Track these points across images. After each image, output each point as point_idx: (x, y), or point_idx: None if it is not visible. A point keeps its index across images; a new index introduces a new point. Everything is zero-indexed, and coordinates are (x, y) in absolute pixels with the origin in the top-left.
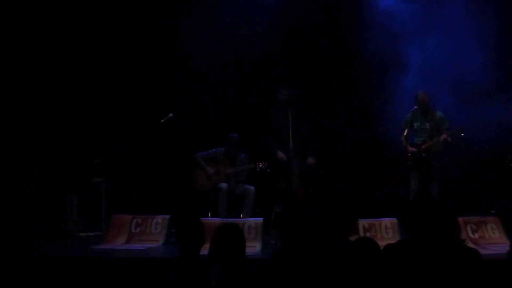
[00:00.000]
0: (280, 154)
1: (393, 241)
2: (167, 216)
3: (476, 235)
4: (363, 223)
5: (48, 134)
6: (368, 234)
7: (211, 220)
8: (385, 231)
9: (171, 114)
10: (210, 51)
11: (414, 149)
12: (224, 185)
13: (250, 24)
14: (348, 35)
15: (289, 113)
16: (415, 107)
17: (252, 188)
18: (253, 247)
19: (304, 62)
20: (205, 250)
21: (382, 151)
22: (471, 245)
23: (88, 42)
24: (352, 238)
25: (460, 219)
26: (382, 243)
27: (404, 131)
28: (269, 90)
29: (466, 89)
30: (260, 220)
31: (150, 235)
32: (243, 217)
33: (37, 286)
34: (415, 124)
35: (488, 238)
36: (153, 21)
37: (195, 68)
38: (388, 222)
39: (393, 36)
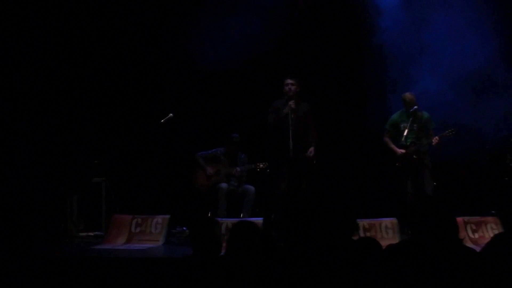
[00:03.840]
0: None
1: (393, 241)
2: (167, 216)
3: (476, 235)
4: (363, 223)
5: (48, 134)
6: (368, 234)
7: None
8: (385, 231)
9: (171, 114)
10: (210, 50)
11: (403, 150)
12: (224, 185)
13: (252, 22)
14: (354, 27)
15: (289, 113)
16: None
17: (252, 188)
18: None
19: (306, 60)
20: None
21: (384, 150)
22: (471, 245)
23: (89, 42)
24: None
25: (460, 219)
26: (382, 243)
27: (388, 132)
28: (271, 89)
29: (470, 85)
30: (260, 220)
31: (150, 235)
32: (243, 217)
33: (37, 286)
34: (402, 125)
35: (488, 238)
36: (153, 21)
37: (195, 68)
38: (388, 222)
39: (399, 30)
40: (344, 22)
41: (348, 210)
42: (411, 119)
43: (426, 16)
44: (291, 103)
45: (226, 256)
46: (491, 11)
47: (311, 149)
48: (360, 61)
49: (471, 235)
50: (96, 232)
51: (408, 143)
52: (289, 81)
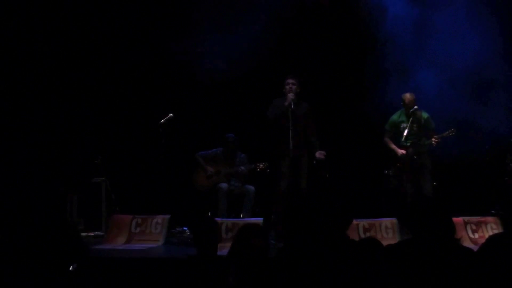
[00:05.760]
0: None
1: (393, 241)
2: (167, 216)
3: (476, 235)
4: (363, 223)
5: (48, 133)
6: (368, 234)
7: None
8: (385, 231)
9: (171, 114)
10: (209, 50)
11: (403, 151)
12: (224, 185)
13: (252, 21)
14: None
15: (289, 112)
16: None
17: (252, 188)
18: None
19: (306, 59)
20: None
21: (384, 150)
22: (470, 245)
23: (88, 42)
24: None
25: (460, 219)
26: (382, 243)
27: (388, 132)
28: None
29: (471, 85)
30: (260, 220)
31: (150, 235)
32: (243, 217)
33: (36, 286)
34: (402, 126)
35: None
36: (152, 20)
37: (195, 68)
38: (388, 222)
39: (400, 28)
40: (346, 20)
41: (346, 209)
42: (411, 119)
43: (427, 15)
44: (291, 95)
45: (231, 257)
46: (493, 10)
47: (322, 153)
48: (361, 59)
49: (471, 235)
50: (96, 232)
51: (408, 144)
52: (290, 80)
